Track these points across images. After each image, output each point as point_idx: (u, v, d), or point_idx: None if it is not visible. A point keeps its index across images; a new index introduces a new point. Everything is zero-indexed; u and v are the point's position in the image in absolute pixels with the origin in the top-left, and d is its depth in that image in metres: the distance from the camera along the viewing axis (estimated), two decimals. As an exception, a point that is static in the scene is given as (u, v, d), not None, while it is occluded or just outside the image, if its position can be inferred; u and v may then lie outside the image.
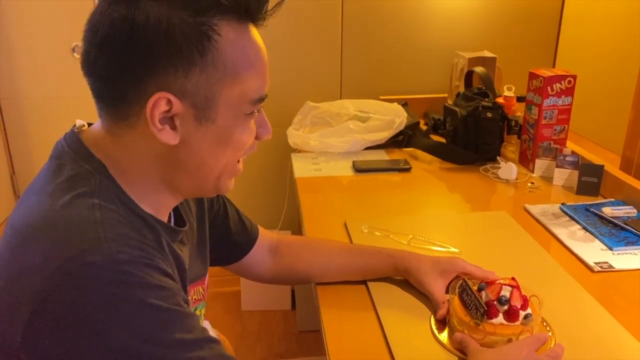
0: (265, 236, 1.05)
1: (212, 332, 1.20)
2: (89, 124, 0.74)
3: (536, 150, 1.56)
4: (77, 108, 2.26)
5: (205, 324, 0.97)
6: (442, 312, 0.92)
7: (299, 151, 1.77)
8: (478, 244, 1.20)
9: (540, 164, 1.56)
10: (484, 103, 1.63)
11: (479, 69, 1.82)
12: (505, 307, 0.83)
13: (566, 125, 1.55)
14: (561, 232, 1.24)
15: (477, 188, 1.52)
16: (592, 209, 1.32)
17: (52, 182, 0.66)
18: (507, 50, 2.10)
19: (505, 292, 0.84)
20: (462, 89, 1.86)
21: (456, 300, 0.89)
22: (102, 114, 0.69)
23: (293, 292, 2.34)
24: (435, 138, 1.81)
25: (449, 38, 2.14)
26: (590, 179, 1.43)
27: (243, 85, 0.67)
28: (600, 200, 1.40)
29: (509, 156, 1.71)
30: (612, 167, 1.48)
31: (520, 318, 0.83)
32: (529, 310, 0.84)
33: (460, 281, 0.90)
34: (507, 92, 1.84)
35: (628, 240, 1.19)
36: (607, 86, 1.89)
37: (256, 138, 0.74)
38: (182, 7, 0.62)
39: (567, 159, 1.49)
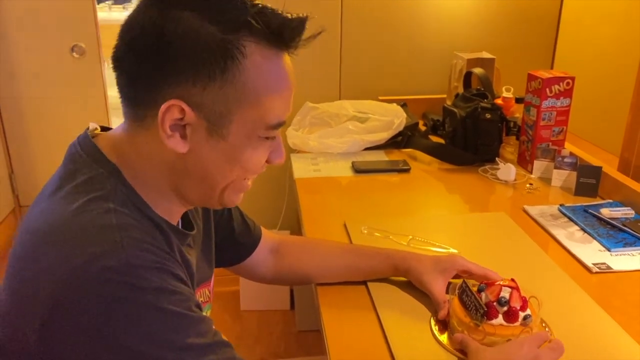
0: (268, 237, 1.06)
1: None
2: (102, 127, 0.75)
3: (535, 151, 1.57)
4: (76, 108, 2.27)
5: None
6: (443, 313, 0.92)
7: (298, 152, 1.78)
8: (477, 245, 1.21)
9: (539, 165, 1.57)
10: (482, 104, 1.64)
11: (477, 70, 1.83)
12: (505, 308, 0.84)
13: (564, 127, 1.56)
14: (559, 233, 1.25)
15: (476, 189, 1.53)
16: (590, 210, 1.33)
17: (66, 186, 0.66)
18: (505, 52, 2.11)
19: (505, 293, 0.85)
20: (461, 90, 1.87)
21: (456, 301, 0.90)
22: (124, 111, 0.70)
23: (292, 292, 2.34)
24: (434, 139, 1.81)
25: (448, 39, 2.14)
26: (589, 180, 1.44)
27: (261, 109, 0.66)
28: (598, 201, 1.41)
29: (507, 157, 1.72)
30: (610, 169, 1.48)
31: (520, 319, 0.84)
32: (528, 312, 0.85)
33: (460, 282, 0.91)
34: (506, 93, 1.84)
35: (626, 241, 1.20)
36: (605, 87, 1.90)
37: (268, 162, 0.73)
38: (214, 22, 0.62)
39: (566, 160, 1.50)
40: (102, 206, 0.63)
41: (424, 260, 1.01)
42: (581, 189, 1.45)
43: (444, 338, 0.89)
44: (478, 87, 1.80)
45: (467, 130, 1.65)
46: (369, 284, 1.04)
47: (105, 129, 0.76)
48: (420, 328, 0.92)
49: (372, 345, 0.89)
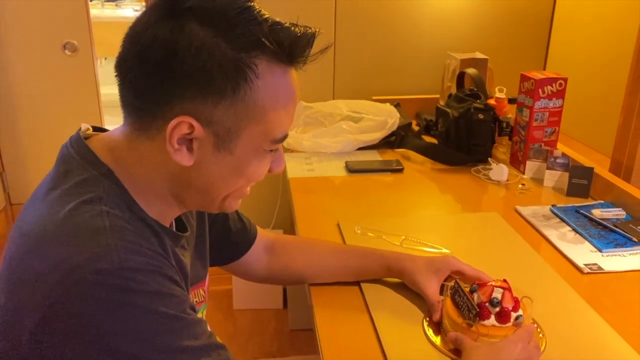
0: (263, 235, 1.06)
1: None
2: (94, 128, 0.75)
3: (527, 152, 1.58)
4: (68, 105, 2.25)
5: None
6: (436, 315, 0.93)
7: (292, 151, 1.77)
8: (469, 245, 1.21)
9: (531, 165, 1.58)
10: (475, 105, 1.64)
11: (471, 71, 1.84)
12: (497, 309, 0.84)
13: (557, 128, 1.57)
14: (551, 234, 1.26)
15: (468, 189, 1.53)
16: (582, 211, 1.34)
17: (59, 188, 0.66)
18: (498, 52, 2.11)
19: (497, 294, 0.85)
20: (454, 90, 1.87)
21: (448, 302, 0.90)
22: (125, 118, 0.69)
23: (285, 291, 2.34)
24: (427, 139, 1.82)
25: (441, 39, 2.15)
26: (581, 181, 1.45)
27: (269, 124, 0.67)
28: (590, 202, 1.42)
29: (500, 157, 1.72)
30: (602, 170, 1.49)
31: (512, 320, 0.84)
32: (520, 312, 0.85)
33: (453, 283, 0.91)
34: (499, 93, 1.85)
35: (617, 242, 1.21)
36: (597, 88, 1.91)
37: (268, 171, 0.74)
38: (226, 39, 0.62)
39: (558, 160, 1.51)
40: (95, 209, 0.63)
41: (418, 260, 1.01)
42: (573, 190, 1.46)
43: (436, 339, 0.90)
44: (471, 88, 1.81)
45: (460, 130, 1.66)
46: (362, 284, 1.04)
47: (97, 129, 0.75)
48: (413, 328, 0.93)
49: (365, 345, 0.90)
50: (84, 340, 0.57)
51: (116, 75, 0.67)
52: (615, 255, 1.17)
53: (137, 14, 0.91)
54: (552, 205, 1.38)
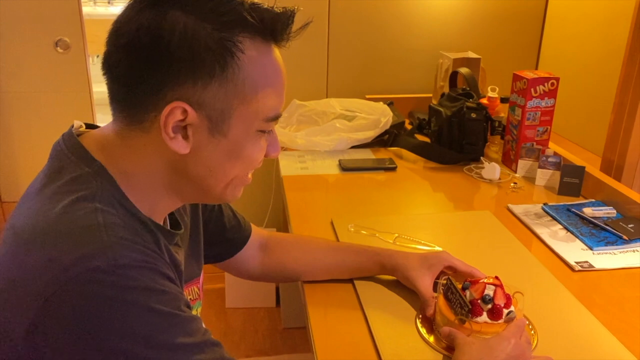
0: (257, 233, 1.06)
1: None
2: (87, 125, 0.74)
3: (519, 150, 1.59)
4: (60, 103, 2.24)
5: None
6: (430, 310, 0.93)
7: (286, 149, 1.78)
8: (462, 243, 1.22)
9: (523, 164, 1.59)
10: (468, 104, 1.65)
11: (463, 70, 1.85)
12: (489, 306, 0.85)
13: (549, 127, 1.58)
14: (543, 232, 1.27)
15: (461, 187, 1.54)
16: (573, 209, 1.35)
17: (51, 185, 0.66)
18: (490, 51, 2.13)
19: (489, 291, 0.86)
20: (446, 90, 1.88)
21: (441, 299, 0.91)
22: (115, 115, 0.69)
23: (277, 289, 2.34)
24: (420, 138, 1.82)
25: (434, 39, 2.16)
26: (572, 179, 1.46)
27: (259, 103, 0.67)
28: (581, 200, 1.43)
29: (492, 156, 1.73)
30: (593, 169, 1.51)
31: (504, 316, 0.85)
32: (512, 309, 0.86)
33: (445, 280, 0.92)
34: (491, 93, 1.86)
35: (608, 240, 1.22)
36: (589, 88, 1.93)
37: (265, 155, 0.74)
38: (209, 21, 0.63)
39: (550, 159, 1.52)
40: (88, 206, 0.63)
41: (411, 257, 1.02)
42: (564, 189, 1.47)
43: (429, 336, 0.90)
44: (464, 87, 1.82)
45: (452, 129, 1.66)
46: (356, 282, 1.05)
47: (90, 126, 0.75)
48: (406, 326, 0.93)
49: (358, 343, 0.90)
50: (78, 337, 0.57)
51: (104, 74, 0.67)
52: (605, 253, 1.18)
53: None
54: (544, 204, 1.39)
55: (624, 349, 0.89)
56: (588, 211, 1.33)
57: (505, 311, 0.85)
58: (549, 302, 1.01)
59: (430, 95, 2.09)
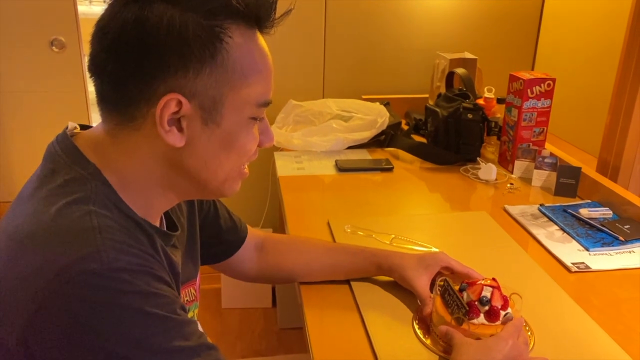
0: (253, 234, 1.06)
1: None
2: (81, 126, 0.74)
3: (515, 151, 1.59)
4: (56, 102, 2.23)
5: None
6: (427, 309, 0.93)
7: (282, 149, 1.77)
8: (458, 244, 1.22)
9: (520, 165, 1.59)
10: (465, 104, 1.65)
11: (460, 70, 1.85)
12: (487, 308, 0.85)
13: (545, 127, 1.58)
14: (539, 233, 1.27)
15: (457, 188, 1.54)
16: (569, 210, 1.35)
17: (45, 187, 0.65)
18: (487, 52, 2.13)
19: (487, 292, 0.86)
20: (443, 90, 1.88)
21: (438, 300, 0.90)
22: (105, 116, 0.68)
23: (274, 289, 2.34)
24: (417, 138, 1.83)
25: (431, 39, 2.16)
26: (568, 180, 1.46)
27: (249, 89, 0.67)
28: (577, 201, 1.43)
29: (488, 157, 1.74)
30: (589, 169, 1.51)
31: (501, 318, 0.85)
32: (509, 310, 0.86)
33: (442, 281, 0.91)
34: (488, 93, 1.86)
35: (604, 241, 1.22)
36: (585, 89, 1.93)
37: (258, 145, 0.74)
38: (194, 10, 0.63)
39: (546, 160, 1.52)
40: (82, 209, 0.62)
41: (408, 257, 1.02)
42: (561, 189, 1.47)
43: (426, 338, 0.90)
44: (460, 87, 1.82)
45: (449, 129, 1.66)
46: (352, 283, 1.04)
47: (84, 127, 0.74)
48: (403, 327, 0.93)
49: (355, 344, 0.90)
50: (72, 342, 0.56)
51: (91, 76, 0.66)
52: (602, 254, 1.19)
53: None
54: (540, 205, 1.40)
55: (620, 350, 0.89)
56: (584, 212, 1.33)
57: (503, 313, 0.85)
58: (546, 304, 1.01)
59: (427, 95, 2.09)
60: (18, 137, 2.27)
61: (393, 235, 1.22)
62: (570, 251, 1.19)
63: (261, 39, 0.69)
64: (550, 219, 1.33)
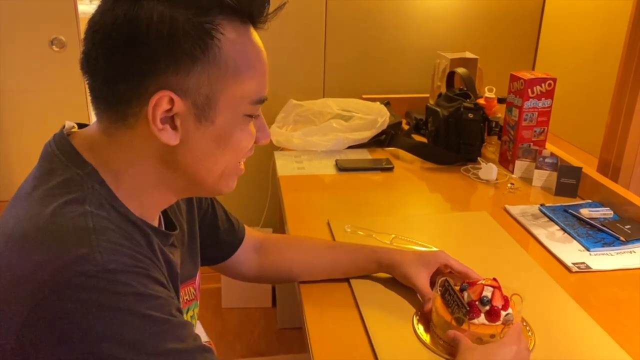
0: (251, 235, 1.05)
1: (203, 334, 1.20)
2: (78, 125, 0.73)
3: (516, 151, 1.58)
4: (55, 102, 2.23)
5: (198, 325, 0.96)
6: (429, 306, 0.93)
7: (282, 149, 1.77)
8: (459, 244, 1.22)
9: (520, 165, 1.59)
10: (465, 104, 1.65)
11: (460, 70, 1.84)
12: (487, 308, 0.85)
13: (546, 127, 1.58)
14: (540, 233, 1.26)
15: (457, 188, 1.54)
16: (570, 210, 1.35)
17: (42, 187, 0.64)
18: (488, 52, 2.12)
19: (487, 292, 0.86)
20: (444, 90, 1.88)
21: (438, 300, 0.90)
22: (99, 114, 0.68)
23: (274, 289, 2.34)
24: (417, 138, 1.82)
25: (432, 38, 2.15)
26: (569, 180, 1.46)
27: (243, 86, 0.67)
28: (578, 201, 1.43)
29: (489, 157, 1.73)
30: (590, 169, 1.51)
31: (502, 318, 0.85)
32: (509, 310, 0.86)
33: (443, 281, 0.91)
34: (488, 93, 1.86)
35: (605, 241, 1.22)
36: (586, 89, 1.93)
37: (255, 142, 0.73)
38: (185, 6, 0.62)
39: (547, 160, 1.52)
40: (78, 209, 0.62)
41: (407, 254, 1.02)
42: (561, 189, 1.47)
43: (426, 336, 0.90)
44: (461, 87, 1.82)
45: (449, 129, 1.66)
46: (352, 281, 1.04)
47: (82, 126, 0.74)
48: (403, 326, 0.93)
49: (355, 343, 0.89)
50: (67, 343, 0.56)
51: (84, 74, 0.66)
52: (602, 254, 1.18)
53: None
54: (541, 205, 1.39)
55: (621, 350, 0.89)
56: (585, 212, 1.32)
57: (503, 313, 0.85)
58: (546, 304, 1.00)
59: (428, 95, 2.09)
60: (16, 136, 2.27)
61: (393, 235, 1.22)
62: (570, 251, 1.19)
63: (255, 35, 0.69)
64: (551, 219, 1.33)
